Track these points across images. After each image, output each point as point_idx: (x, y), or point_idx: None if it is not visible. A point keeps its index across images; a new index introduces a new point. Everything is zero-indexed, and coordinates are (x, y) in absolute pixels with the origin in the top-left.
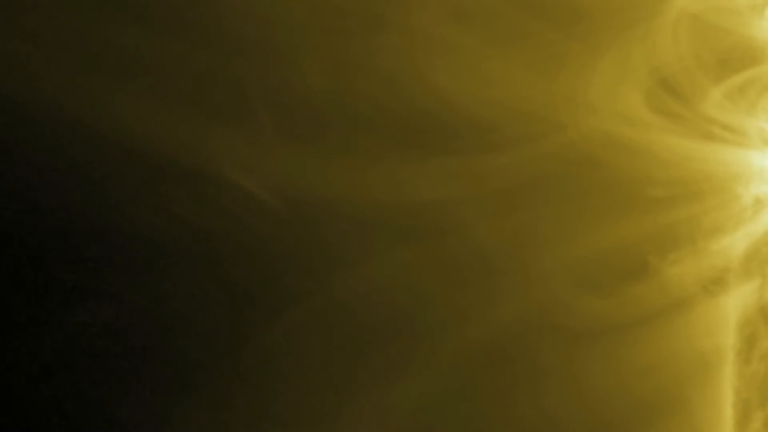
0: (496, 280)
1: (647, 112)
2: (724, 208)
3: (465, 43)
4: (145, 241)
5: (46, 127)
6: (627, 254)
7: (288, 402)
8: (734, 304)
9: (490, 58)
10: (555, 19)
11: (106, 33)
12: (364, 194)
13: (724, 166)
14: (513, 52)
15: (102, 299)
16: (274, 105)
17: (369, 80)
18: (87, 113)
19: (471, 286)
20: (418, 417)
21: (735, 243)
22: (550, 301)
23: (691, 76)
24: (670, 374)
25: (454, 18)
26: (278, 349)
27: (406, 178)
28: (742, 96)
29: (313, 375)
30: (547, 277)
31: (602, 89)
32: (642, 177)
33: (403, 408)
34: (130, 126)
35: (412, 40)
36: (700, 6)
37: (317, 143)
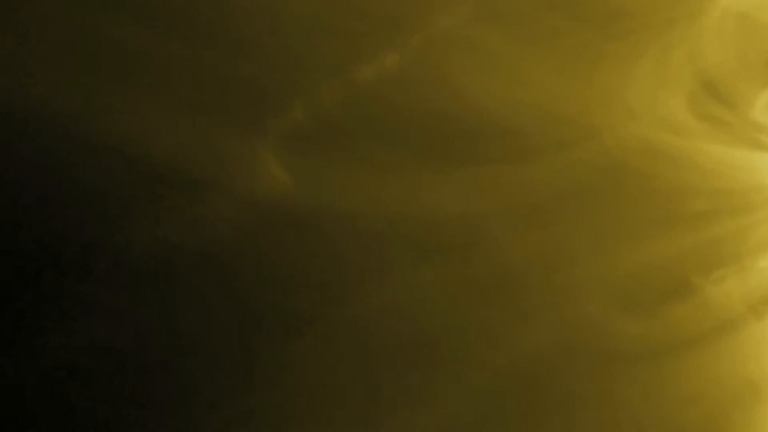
0: (526, 300)
1: (690, 117)
2: None
3: (492, 43)
4: (146, 254)
5: (39, 131)
6: (668, 272)
7: (299, 430)
8: None
9: (520, 60)
10: (590, 18)
11: (104, 31)
12: (383, 206)
13: None
14: (544, 53)
15: (100, 317)
16: (284, 110)
17: (387, 84)
18: (83, 117)
19: (498, 307)
20: None
21: None
22: (585, 323)
23: (737, 79)
24: (714, 401)
25: (480, 17)
26: (289, 373)
27: (428, 190)
28: None
29: (326, 402)
30: (581, 297)
31: (641, 93)
32: (684, 188)
33: None
34: (130, 131)
35: (435, 41)
36: (747, 3)
37: (331, 151)
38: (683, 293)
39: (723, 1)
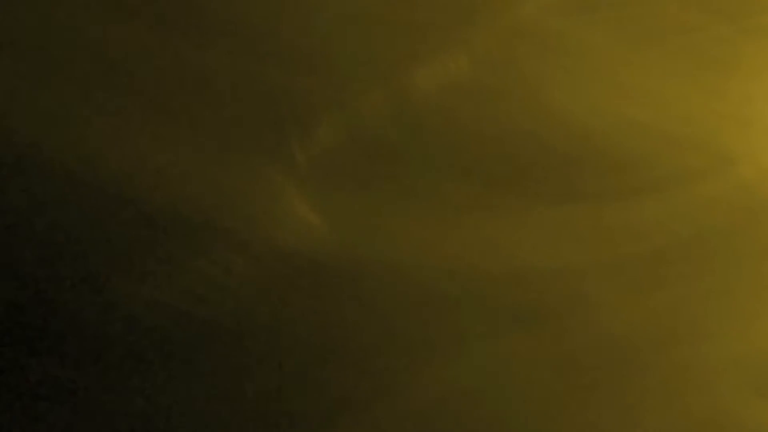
0: (636, 382)
1: None
2: None
3: (590, 41)
4: (135, 324)
5: None
6: None
7: None
8: None
9: (628, 64)
10: (721, 9)
11: (78, 29)
12: (445, 258)
13: None
14: (660, 56)
15: (76, 407)
16: (314, 130)
17: (451, 96)
18: (51, 143)
19: (599, 390)
20: None
21: None
22: (715, 411)
23: None
24: None
25: (573, 5)
26: None
27: (506, 235)
28: None
29: None
30: (707, 379)
31: None
32: None
33: None
34: (114, 163)
35: (514, 37)
36: None
37: (376, 185)
38: None
39: None
